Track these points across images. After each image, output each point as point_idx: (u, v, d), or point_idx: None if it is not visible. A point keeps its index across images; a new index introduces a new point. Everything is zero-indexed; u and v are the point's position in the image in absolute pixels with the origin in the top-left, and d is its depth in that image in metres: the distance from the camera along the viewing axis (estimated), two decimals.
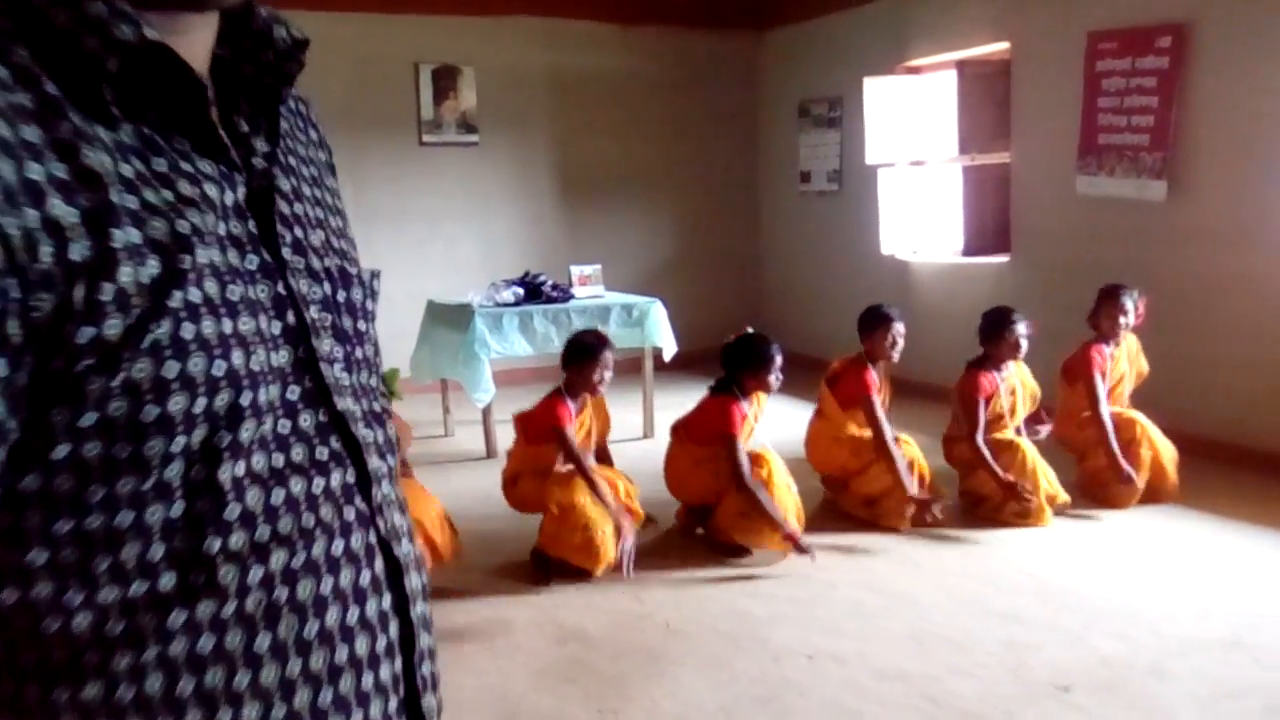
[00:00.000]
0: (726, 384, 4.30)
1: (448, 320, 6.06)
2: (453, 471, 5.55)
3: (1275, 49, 4.95)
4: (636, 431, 6.09)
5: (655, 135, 8.52)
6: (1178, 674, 3.07)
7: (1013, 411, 4.66)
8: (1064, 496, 4.54)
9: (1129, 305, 4.69)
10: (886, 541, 4.32)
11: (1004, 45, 6.51)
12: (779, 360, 4.23)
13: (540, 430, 4.05)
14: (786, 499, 4.12)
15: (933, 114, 7.36)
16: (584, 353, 4.11)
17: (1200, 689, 2.97)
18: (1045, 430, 4.79)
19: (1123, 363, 4.83)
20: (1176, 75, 5.33)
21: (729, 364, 4.31)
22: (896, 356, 4.60)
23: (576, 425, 4.09)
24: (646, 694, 3.05)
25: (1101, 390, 4.65)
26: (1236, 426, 5.23)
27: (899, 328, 4.57)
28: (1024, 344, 4.58)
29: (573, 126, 8.22)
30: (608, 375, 4.12)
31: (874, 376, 4.54)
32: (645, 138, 8.49)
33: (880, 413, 4.46)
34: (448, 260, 7.82)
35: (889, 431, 4.45)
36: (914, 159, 7.39)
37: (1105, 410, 4.63)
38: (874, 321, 4.62)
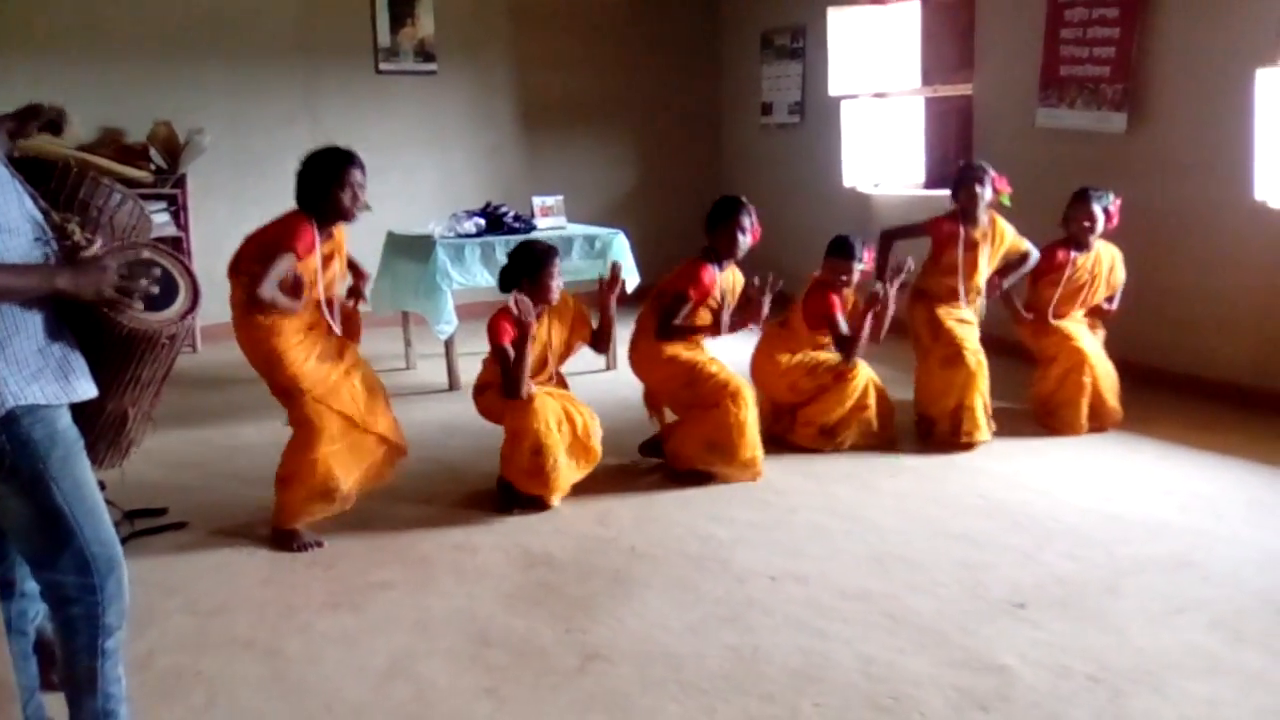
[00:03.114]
0: (705, 251, 4.38)
1: (408, 251, 5.99)
2: (415, 404, 5.52)
3: None
4: (599, 363, 6.07)
5: (616, 65, 8.40)
6: (1130, 591, 3.17)
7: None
8: (986, 434, 4.60)
9: (1096, 211, 4.69)
10: (845, 467, 4.39)
11: None
12: (748, 220, 4.37)
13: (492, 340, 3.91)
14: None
15: (896, 45, 7.32)
16: (535, 262, 3.97)
17: (1152, 605, 3.07)
18: None
19: (1090, 271, 4.77)
20: (1139, 5, 5.33)
21: (708, 227, 4.43)
22: (848, 288, 4.65)
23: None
24: (613, 614, 3.09)
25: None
26: (1183, 354, 5.34)
27: (853, 265, 4.60)
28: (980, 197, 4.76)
29: (533, 56, 8.09)
30: (556, 283, 3.99)
31: (838, 299, 4.58)
32: (606, 68, 8.37)
33: (839, 317, 4.53)
34: (406, 191, 7.70)
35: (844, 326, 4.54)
36: (877, 91, 7.36)
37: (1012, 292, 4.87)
38: (829, 253, 4.69)
